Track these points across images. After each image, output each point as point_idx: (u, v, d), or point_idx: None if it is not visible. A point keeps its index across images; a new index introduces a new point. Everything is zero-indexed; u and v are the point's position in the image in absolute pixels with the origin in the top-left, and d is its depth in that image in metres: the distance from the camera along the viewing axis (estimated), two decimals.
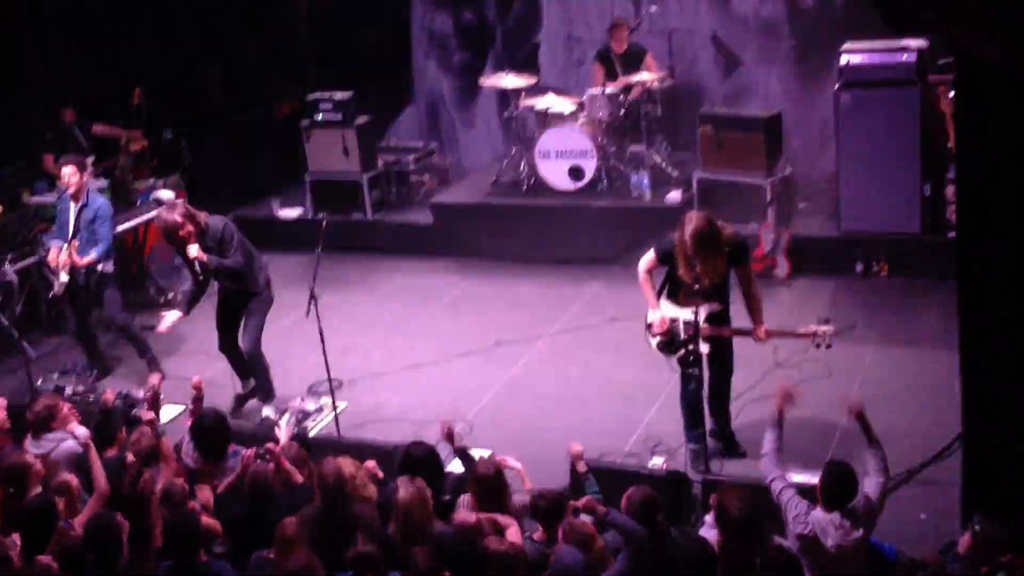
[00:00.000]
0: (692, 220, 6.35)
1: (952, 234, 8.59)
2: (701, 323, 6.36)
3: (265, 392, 8.06)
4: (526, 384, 8.27)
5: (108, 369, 9.08)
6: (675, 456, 6.90)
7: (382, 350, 9.00)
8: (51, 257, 8.64)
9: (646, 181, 10.30)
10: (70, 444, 6.31)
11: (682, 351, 6.53)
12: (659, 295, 6.72)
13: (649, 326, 6.73)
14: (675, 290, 6.62)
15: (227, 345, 8.10)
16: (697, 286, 6.27)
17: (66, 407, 6.59)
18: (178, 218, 7.57)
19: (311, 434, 7.47)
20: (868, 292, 9.14)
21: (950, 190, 9.04)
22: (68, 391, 8.38)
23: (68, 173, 8.61)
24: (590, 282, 9.99)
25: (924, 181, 9.11)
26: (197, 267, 7.73)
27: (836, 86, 9.32)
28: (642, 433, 7.31)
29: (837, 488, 5.06)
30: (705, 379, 6.62)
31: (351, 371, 8.42)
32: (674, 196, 10.20)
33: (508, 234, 10.65)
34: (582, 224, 10.39)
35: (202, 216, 7.72)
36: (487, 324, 9.29)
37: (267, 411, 7.97)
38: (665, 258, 6.59)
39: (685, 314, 6.48)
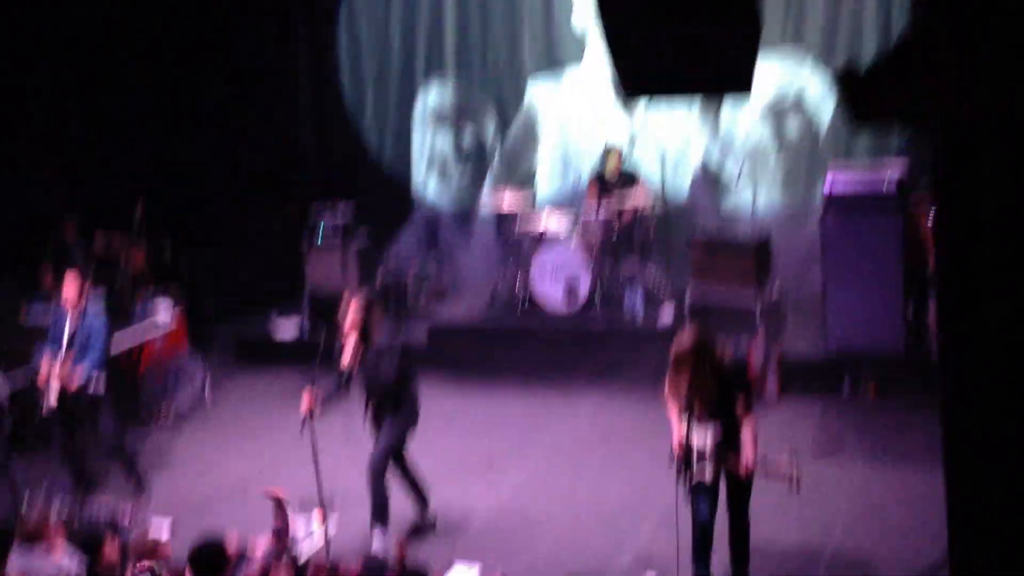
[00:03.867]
0: (680, 337, 6.34)
1: (936, 354, 8.76)
2: (707, 448, 6.26)
3: (378, 516, 7.60)
4: (518, 502, 8.27)
5: (95, 487, 8.88)
6: None
7: None
8: (43, 371, 8.60)
9: (639, 302, 10.46)
10: (55, 563, 6.25)
11: (689, 475, 6.37)
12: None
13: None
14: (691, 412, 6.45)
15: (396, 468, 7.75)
16: (692, 406, 6.23)
17: (54, 526, 6.55)
18: (355, 306, 7.40)
19: (303, 557, 7.44)
20: (855, 411, 9.23)
21: (933, 311, 9.22)
22: (55, 509, 8.32)
23: (68, 285, 8.69)
24: (583, 401, 10.07)
25: (907, 302, 9.29)
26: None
27: (821, 209, 9.56)
28: (634, 554, 7.29)
29: None
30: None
31: (344, 489, 8.43)
32: (667, 317, 10.35)
33: (503, 352, 10.76)
34: (576, 344, 10.51)
35: (380, 318, 7.53)
36: (480, 442, 9.33)
37: (375, 539, 7.53)
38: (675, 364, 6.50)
39: (697, 437, 6.32)
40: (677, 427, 6.39)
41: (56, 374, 8.52)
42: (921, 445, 8.23)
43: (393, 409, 7.51)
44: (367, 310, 7.41)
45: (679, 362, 6.21)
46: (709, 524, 6.41)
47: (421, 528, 7.77)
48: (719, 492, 6.40)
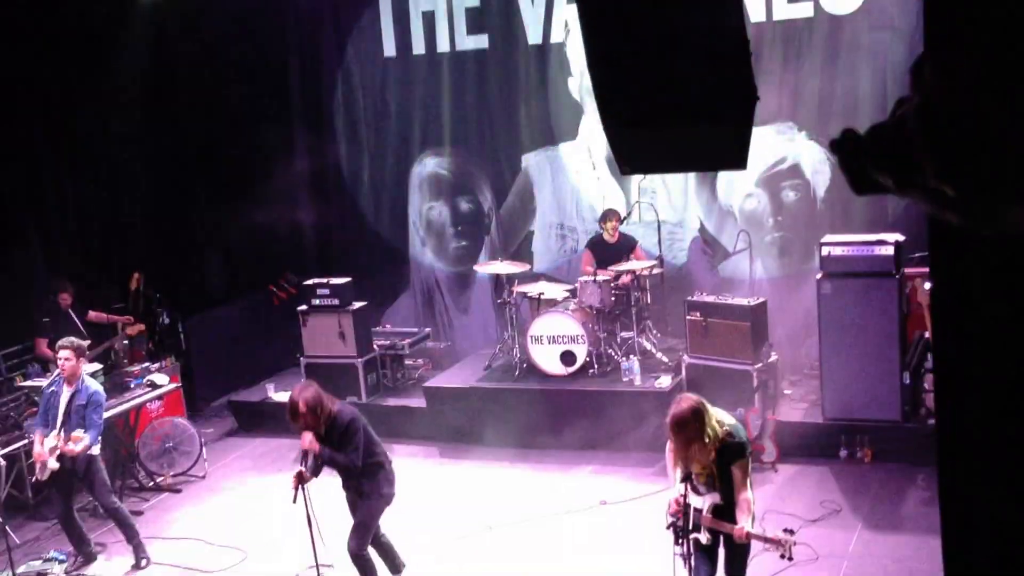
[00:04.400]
0: (677, 403, 6.30)
1: (931, 421, 8.79)
2: (704, 512, 6.25)
3: None
4: (516, 569, 8.24)
5: (93, 556, 8.86)
6: None
7: None
8: (36, 451, 8.56)
9: (636, 366, 10.49)
10: None
11: (682, 539, 6.35)
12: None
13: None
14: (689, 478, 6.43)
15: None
16: (687, 471, 6.23)
17: None
18: (300, 403, 7.27)
19: None
20: (852, 477, 9.22)
21: (929, 378, 9.26)
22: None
23: (64, 357, 8.62)
24: (581, 466, 10.06)
25: (903, 369, 9.34)
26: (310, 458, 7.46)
27: (817, 276, 9.63)
28: None
29: None
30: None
31: (341, 554, 8.41)
32: (664, 381, 10.38)
33: (500, 418, 10.75)
34: (573, 408, 10.51)
35: (333, 406, 7.42)
36: (477, 508, 9.31)
37: None
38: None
39: (696, 502, 6.33)
40: (677, 491, 6.39)
41: (52, 450, 8.49)
42: (918, 510, 8.24)
43: (361, 487, 7.50)
44: (314, 409, 7.29)
45: (678, 428, 6.23)
46: None
47: None
48: (718, 556, 6.38)
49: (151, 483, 10.38)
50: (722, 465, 6.21)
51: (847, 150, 2.41)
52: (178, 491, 10.33)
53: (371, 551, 7.65)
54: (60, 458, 8.47)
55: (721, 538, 6.33)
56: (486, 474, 10.16)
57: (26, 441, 9.35)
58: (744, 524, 6.14)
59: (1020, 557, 3.96)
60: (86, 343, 9.51)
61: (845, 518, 8.45)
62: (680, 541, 6.33)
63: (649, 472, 9.62)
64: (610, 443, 10.14)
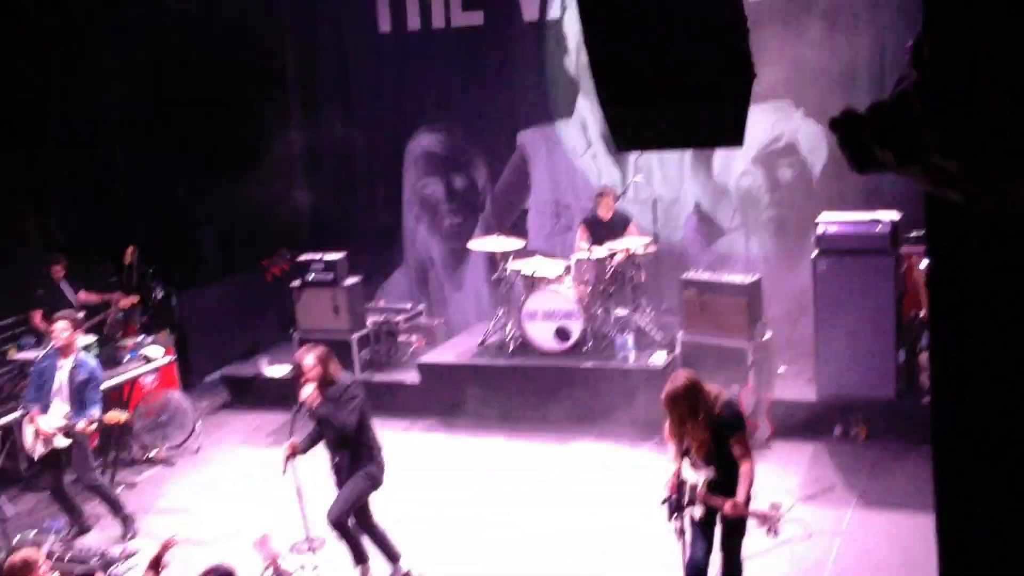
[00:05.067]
0: (672, 380, 6.35)
1: (926, 399, 8.80)
2: (699, 488, 6.28)
3: (357, 558, 7.67)
4: (507, 542, 8.27)
5: (86, 527, 8.90)
6: None
7: None
8: (42, 427, 8.56)
9: (631, 343, 10.49)
10: None
11: (677, 516, 6.38)
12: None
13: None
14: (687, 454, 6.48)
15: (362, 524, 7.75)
16: (687, 448, 6.27)
17: (44, 565, 6.53)
18: (311, 358, 7.46)
19: None
20: (846, 455, 9.25)
21: (923, 357, 9.27)
22: (45, 549, 8.30)
23: (60, 328, 8.65)
24: (574, 442, 10.08)
25: (898, 348, 9.35)
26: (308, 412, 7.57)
27: (813, 254, 9.63)
28: None
29: None
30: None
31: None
32: (658, 358, 10.38)
33: (494, 394, 10.77)
34: (567, 385, 10.52)
35: (336, 369, 7.56)
36: (471, 482, 9.33)
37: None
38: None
39: (693, 477, 6.36)
40: (673, 467, 6.42)
41: (45, 427, 8.50)
42: (911, 488, 8.27)
43: (353, 462, 7.49)
44: (324, 363, 7.44)
45: (673, 405, 6.24)
46: (703, 564, 6.39)
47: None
48: (714, 532, 6.40)
49: (144, 456, 10.39)
50: (719, 440, 6.23)
51: (847, 128, 2.39)
52: (171, 464, 10.35)
53: (366, 542, 7.64)
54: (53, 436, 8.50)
55: (718, 515, 6.34)
56: (478, 449, 10.18)
57: (20, 413, 9.34)
58: (741, 497, 6.14)
59: (1014, 535, 3.96)
60: (81, 315, 9.53)
61: (839, 495, 8.48)
62: (674, 517, 6.35)
63: (642, 448, 9.65)
64: (603, 419, 10.15)
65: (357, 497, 7.50)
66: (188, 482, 9.95)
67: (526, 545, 8.21)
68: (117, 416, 8.92)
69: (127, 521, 8.80)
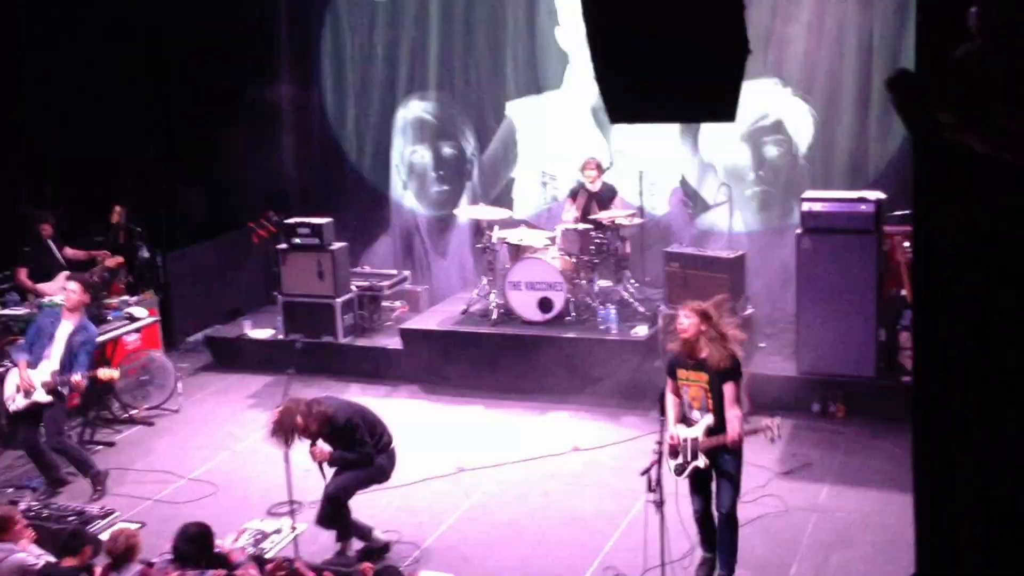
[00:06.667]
0: (683, 312, 6.93)
1: (906, 378, 8.87)
2: (699, 438, 6.75)
3: (342, 535, 7.60)
4: (487, 511, 8.31)
5: (62, 482, 8.85)
6: None
7: None
8: (23, 378, 8.59)
9: (613, 315, 10.52)
10: (21, 556, 6.28)
11: (687, 469, 6.85)
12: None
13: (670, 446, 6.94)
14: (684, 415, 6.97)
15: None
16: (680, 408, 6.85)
17: (21, 522, 6.56)
18: (300, 419, 7.11)
19: (268, 555, 7.47)
20: (824, 432, 9.31)
21: (904, 336, 9.34)
22: (22, 506, 8.29)
23: (72, 289, 8.76)
24: (555, 412, 10.13)
25: (879, 326, 9.41)
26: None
27: (798, 231, 9.67)
28: (601, 562, 7.37)
29: None
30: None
31: (313, 493, 8.45)
32: (640, 330, 10.43)
33: (476, 362, 10.79)
34: (549, 355, 10.56)
35: (324, 408, 7.24)
36: (450, 450, 9.37)
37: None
38: (670, 370, 7.02)
39: (691, 432, 6.82)
40: (672, 418, 6.93)
41: (42, 384, 8.53)
42: (889, 467, 8.36)
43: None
44: (316, 420, 7.19)
45: (703, 317, 6.77)
46: (705, 514, 6.94)
47: (374, 551, 7.64)
48: (711, 491, 6.87)
49: (125, 415, 10.39)
50: (719, 381, 6.72)
51: (904, 89, 2.38)
52: (151, 424, 10.35)
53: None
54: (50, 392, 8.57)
55: (712, 472, 6.81)
56: (460, 417, 10.21)
57: (2, 369, 9.33)
58: (737, 427, 6.69)
59: (992, 512, 4.02)
60: (95, 278, 9.53)
61: (816, 472, 8.56)
62: (683, 473, 6.85)
63: (623, 417, 9.71)
64: (585, 390, 10.20)
65: (360, 481, 7.47)
66: (168, 442, 9.96)
67: (504, 512, 8.27)
68: (110, 373, 8.95)
69: (96, 479, 8.77)
